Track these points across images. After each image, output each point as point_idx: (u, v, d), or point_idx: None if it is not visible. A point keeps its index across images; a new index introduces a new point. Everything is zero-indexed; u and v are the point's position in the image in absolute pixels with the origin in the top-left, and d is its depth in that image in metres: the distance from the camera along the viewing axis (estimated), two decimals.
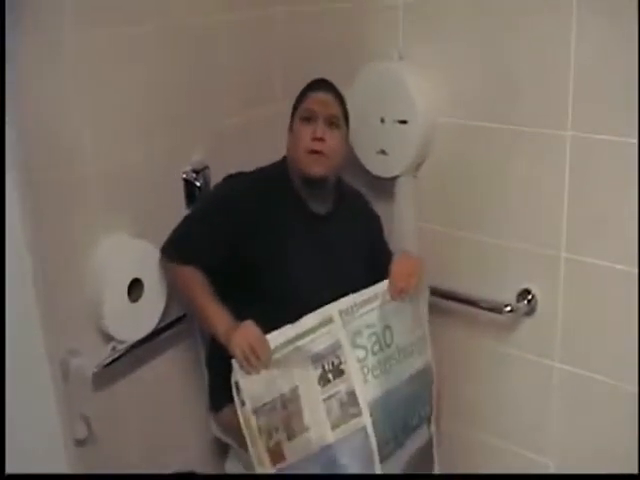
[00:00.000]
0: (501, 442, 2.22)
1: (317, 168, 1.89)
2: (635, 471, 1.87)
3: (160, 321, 2.04)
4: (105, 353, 1.92)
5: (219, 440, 2.15)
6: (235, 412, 1.78)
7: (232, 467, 2.15)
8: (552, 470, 2.12)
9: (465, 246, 2.15)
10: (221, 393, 1.96)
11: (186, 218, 1.98)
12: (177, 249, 1.95)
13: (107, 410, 1.97)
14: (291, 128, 1.97)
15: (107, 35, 1.83)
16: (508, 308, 2.05)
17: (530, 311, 2.06)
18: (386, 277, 1.90)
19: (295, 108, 1.97)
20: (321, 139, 1.88)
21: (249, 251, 1.89)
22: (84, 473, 1.82)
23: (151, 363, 2.10)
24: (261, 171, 2.00)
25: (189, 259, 1.91)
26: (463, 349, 2.23)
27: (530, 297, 2.05)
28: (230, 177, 2.00)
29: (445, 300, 2.15)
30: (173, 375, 2.17)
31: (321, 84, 1.97)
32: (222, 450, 2.22)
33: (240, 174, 1.99)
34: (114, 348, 1.94)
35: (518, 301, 2.06)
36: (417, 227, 2.18)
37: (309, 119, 1.91)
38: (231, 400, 1.79)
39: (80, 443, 1.90)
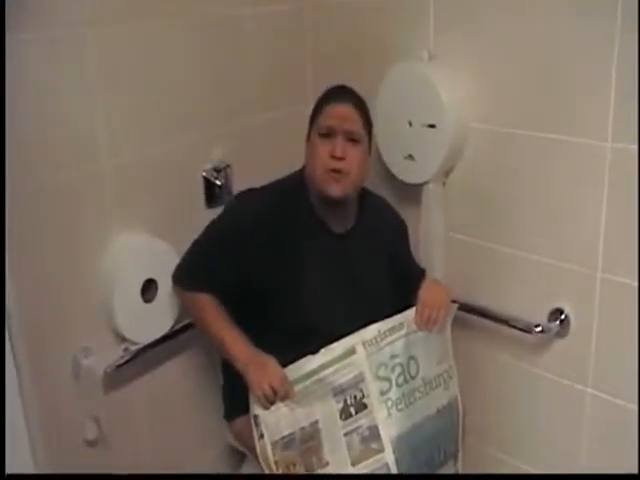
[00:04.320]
0: (527, 467, 2.13)
1: (337, 188, 1.75)
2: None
3: (175, 323, 2.01)
4: (118, 354, 1.89)
5: (235, 447, 2.11)
6: (248, 423, 1.75)
7: None
8: None
9: (494, 259, 2.05)
10: (234, 403, 1.94)
11: (196, 242, 1.88)
12: (188, 275, 1.89)
13: (119, 412, 1.96)
14: (308, 139, 1.83)
15: (127, 31, 1.80)
16: (539, 328, 1.94)
17: (562, 332, 1.95)
18: (412, 301, 1.84)
19: (312, 119, 1.82)
20: (341, 158, 1.74)
21: (263, 277, 1.79)
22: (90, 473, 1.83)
23: (165, 365, 2.07)
24: (275, 187, 1.88)
25: (201, 286, 1.84)
26: (488, 368, 2.15)
27: (563, 317, 1.94)
28: (242, 194, 1.90)
29: (471, 315, 2.05)
30: (188, 379, 2.15)
31: (339, 93, 1.81)
32: (238, 457, 2.18)
33: (253, 191, 1.87)
34: (126, 349, 1.92)
35: (550, 321, 1.95)
36: (444, 236, 2.09)
37: (327, 135, 1.76)
38: (244, 411, 1.77)
39: (90, 444, 1.91)
